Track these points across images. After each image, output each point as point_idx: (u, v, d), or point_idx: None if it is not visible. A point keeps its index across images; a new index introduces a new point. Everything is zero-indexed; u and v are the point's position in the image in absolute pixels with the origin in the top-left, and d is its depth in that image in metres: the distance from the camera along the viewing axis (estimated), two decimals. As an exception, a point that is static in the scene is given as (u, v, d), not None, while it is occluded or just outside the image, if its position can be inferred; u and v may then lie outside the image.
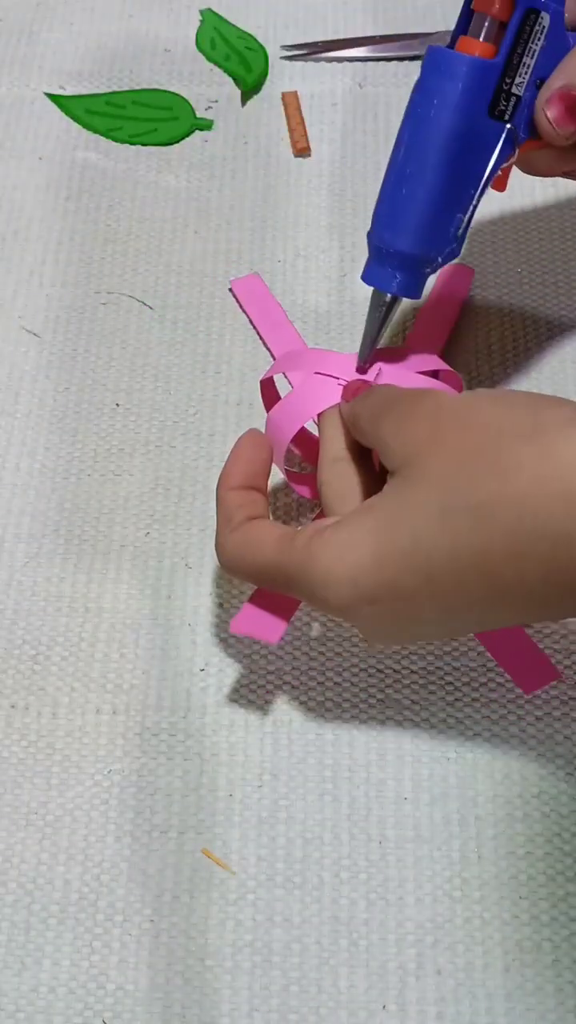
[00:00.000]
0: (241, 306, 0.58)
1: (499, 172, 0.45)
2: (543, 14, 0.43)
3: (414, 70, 0.47)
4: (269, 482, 0.46)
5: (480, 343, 0.57)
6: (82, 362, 0.57)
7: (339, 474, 0.43)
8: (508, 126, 0.44)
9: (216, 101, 0.67)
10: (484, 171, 0.44)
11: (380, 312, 0.47)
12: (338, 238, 0.61)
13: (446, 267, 0.50)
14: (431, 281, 0.49)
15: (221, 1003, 0.41)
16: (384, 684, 0.47)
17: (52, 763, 0.46)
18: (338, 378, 0.46)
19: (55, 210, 0.62)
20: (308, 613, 0.49)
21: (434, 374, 0.48)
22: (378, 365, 0.47)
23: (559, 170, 0.48)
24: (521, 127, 0.45)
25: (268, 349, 0.57)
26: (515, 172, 0.47)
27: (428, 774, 0.46)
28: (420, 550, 0.37)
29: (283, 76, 0.67)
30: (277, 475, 0.50)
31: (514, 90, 0.44)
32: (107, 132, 0.65)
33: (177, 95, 0.67)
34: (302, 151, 0.64)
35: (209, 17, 0.70)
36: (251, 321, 0.58)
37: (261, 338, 0.57)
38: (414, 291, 0.47)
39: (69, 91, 0.67)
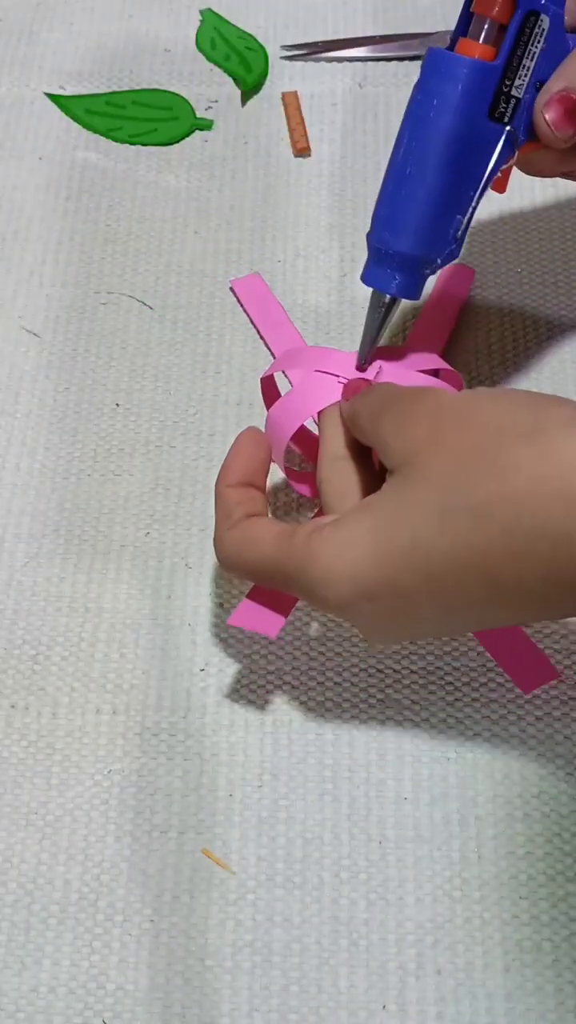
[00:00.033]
0: (242, 306, 0.58)
1: (499, 174, 0.45)
2: (543, 16, 0.43)
3: (414, 70, 0.47)
4: (269, 480, 0.46)
5: (480, 343, 0.57)
6: (82, 362, 0.57)
7: (339, 472, 0.43)
8: (508, 128, 0.44)
9: (216, 101, 0.67)
10: (483, 173, 0.44)
11: (379, 313, 0.47)
12: (338, 238, 0.61)
13: (446, 267, 0.50)
14: (431, 281, 0.49)
15: (221, 1003, 0.41)
16: (384, 684, 0.47)
17: (52, 763, 0.46)
18: (338, 376, 0.46)
19: (55, 210, 0.62)
20: (307, 612, 0.49)
21: (434, 373, 0.48)
22: (378, 363, 0.47)
23: (559, 171, 0.48)
24: (521, 129, 0.45)
25: (269, 349, 0.57)
26: (515, 172, 0.47)
27: (428, 774, 0.46)
28: (419, 549, 0.37)
29: (283, 76, 0.67)
30: (277, 473, 0.50)
31: (514, 92, 0.44)
32: (107, 132, 0.65)
33: (177, 95, 0.67)
34: (302, 151, 0.64)
35: (209, 17, 0.70)
36: (252, 321, 0.58)
37: (262, 338, 0.57)
38: (413, 292, 0.47)
39: (69, 91, 0.67)
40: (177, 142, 0.65)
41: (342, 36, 0.69)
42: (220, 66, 0.68)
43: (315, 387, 0.46)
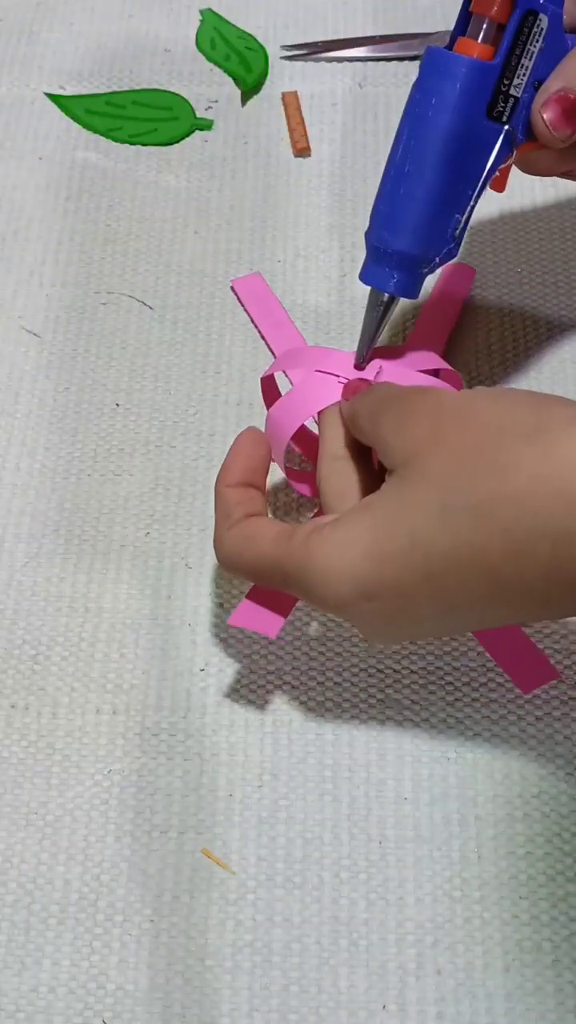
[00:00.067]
0: (243, 305, 0.58)
1: (497, 173, 0.45)
2: (541, 16, 0.43)
3: (414, 70, 0.47)
4: (269, 480, 0.46)
5: (480, 343, 0.57)
6: (82, 362, 0.57)
7: (339, 472, 0.43)
8: (506, 127, 0.44)
9: (216, 101, 0.67)
10: (482, 172, 0.44)
11: (378, 312, 0.47)
12: (338, 238, 0.61)
13: (447, 267, 0.50)
14: (432, 281, 0.49)
15: (221, 1003, 0.41)
16: (384, 684, 0.47)
17: (52, 763, 0.46)
18: (339, 376, 0.46)
19: (55, 210, 0.62)
20: (307, 612, 0.49)
21: (434, 373, 0.48)
22: (378, 363, 0.47)
23: (558, 170, 0.48)
24: (519, 128, 0.45)
25: (269, 348, 0.57)
26: (515, 172, 0.47)
27: (428, 774, 0.46)
28: (419, 548, 0.37)
29: (283, 76, 0.67)
30: (277, 473, 0.50)
31: (512, 92, 0.44)
32: (107, 132, 0.65)
33: (177, 95, 0.67)
34: (302, 151, 0.64)
35: (209, 17, 0.70)
36: (252, 320, 0.58)
37: (263, 337, 0.57)
38: (411, 291, 0.47)
39: (69, 91, 0.67)
40: (177, 142, 0.65)
41: (342, 36, 0.69)
42: (220, 66, 0.68)
43: (315, 387, 0.46)
